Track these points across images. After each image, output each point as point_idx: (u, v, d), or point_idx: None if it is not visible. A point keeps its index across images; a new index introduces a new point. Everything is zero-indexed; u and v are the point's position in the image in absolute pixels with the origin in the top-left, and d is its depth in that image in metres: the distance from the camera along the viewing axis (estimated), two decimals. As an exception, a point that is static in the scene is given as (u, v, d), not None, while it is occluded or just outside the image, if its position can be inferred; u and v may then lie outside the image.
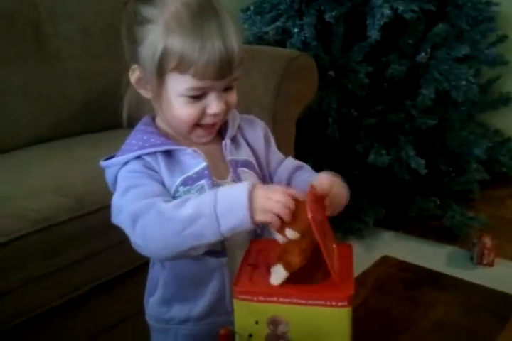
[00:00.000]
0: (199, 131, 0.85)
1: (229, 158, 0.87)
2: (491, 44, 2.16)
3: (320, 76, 1.75)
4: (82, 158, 1.38)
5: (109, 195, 1.22)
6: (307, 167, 0.95)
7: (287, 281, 0.72)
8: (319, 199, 0.78)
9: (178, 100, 0.81)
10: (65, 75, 1.64)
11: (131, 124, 0.90)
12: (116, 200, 0.82)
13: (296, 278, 0.73)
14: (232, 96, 0.84)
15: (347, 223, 1.89)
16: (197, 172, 0.83)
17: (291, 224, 0.73)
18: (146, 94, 0.85)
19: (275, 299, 0.71)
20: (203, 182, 0.83)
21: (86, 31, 1.72)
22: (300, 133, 1.74)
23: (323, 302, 0.70)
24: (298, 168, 0.94)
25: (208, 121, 0.83)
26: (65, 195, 1.20)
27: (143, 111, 0.90)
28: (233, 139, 0.90)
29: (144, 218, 0.75)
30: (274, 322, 0.71)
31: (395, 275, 1.40)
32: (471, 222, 1.89)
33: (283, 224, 0.74)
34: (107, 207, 1.19)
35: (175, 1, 0.78)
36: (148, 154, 0.82)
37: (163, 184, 0.82)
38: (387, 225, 1.98)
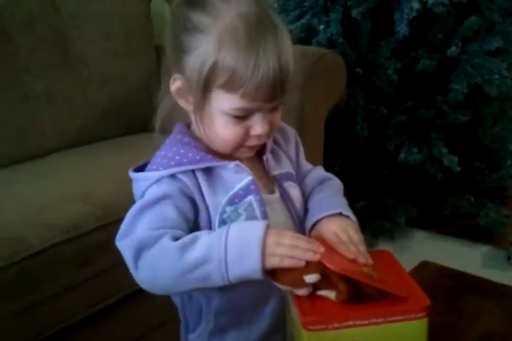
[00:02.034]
0: (241, 150, 0.79)
1: (273, 173, 0.82)
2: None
3: (347, 73, 1.71)
4: (108, 164, 1.38)
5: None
6: (333, 182, 0.90)
7: (350, 302, 0.69)
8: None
9: (221, 118, 0.75)
10: (90, 80, 1.64)
11: (164, 131, 0.85)
12: (129, 217, 0.75)
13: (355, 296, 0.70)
14: (278, 117, 0.78)
15: (376, 223, 1.86)
16: (242, 188, 0.77)
17: (307, 268, 0.69)
18: (185, 105, 0.79)
19: (351, 323, 0.67)
20: (250, 198, 0.77)
21: (109, 35, 1.71)
22: (328, 132, 1.71)
23: (401, 317, 0.67)
24: (322, 181, 0.89)
25: (251, 143, 0.77)
26: (92, 204, 1.19)
27: (176, 120, 0.84)
28: (272, 152, 0.84)
29: (148, 251, 0.69)
30: None
31: (437, 282, 1.34)
32: (507, 220, 1.84)
33: (297, 272, 0.68)
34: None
35: (230, 11, 0.71)
36: (184, 172, 0.76)
37: (188, 214, 0.75)
38: (419, 225, 1.94)
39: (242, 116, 0.75)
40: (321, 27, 1.96)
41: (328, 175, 0.91)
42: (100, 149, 1.54)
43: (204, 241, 0.69)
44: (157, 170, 0.76)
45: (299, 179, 0.89)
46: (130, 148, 1.50)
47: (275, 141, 0.87)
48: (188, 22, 0.74)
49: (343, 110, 1.88)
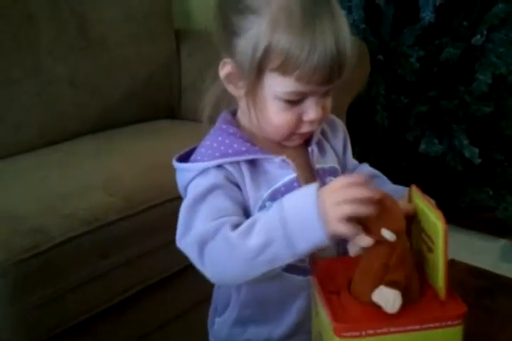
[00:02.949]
0: (294, 138, 0.76)
1: (317, 166, 0.78)
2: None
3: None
4: (130, 152, 1.37)
5: (157, 193, 1.21)
6: (383, 176, 0.87)
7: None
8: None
9: (273, 103, 0.72)
10: (111, 63, 1.62)
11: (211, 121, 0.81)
12: (182, 218, 0.72)
13: None
14: (329, 103, 0.75)
15: (395, 214, 1.84)
16: (285, 185, 0.75)
17: (379, 222, 0.63)
18: (234, 91, 0.75)
19: (386, 330, 0.63)
20: None
21: (130, 17, 1.68)
22: (347, 120, 1.68)
23: (437, 325, 0.64)
24: (373, 177, 0.85)
25: (304, 129, 0.74)
26: (113, 194, 1.18)
27: (221, 109, 0.80)
28: (318, 144, 0.81)
29: (211, 244, 0.67)
30: None
31: (465, 282, 1.31)
32: (526, 214, 1.82)
33: (369, 225, 0.63)
34: (154, 207, 1.20)
35: None
36: (230, 163, 0.74)
37: (240, 200, 0.73)
38: (438, 217, 1.92)
39: (295, 101, 0.71)
40: (343, 12, 1.91)
41: (376, 171, 0.88)
42: (122, 135, 1.52)
43: (262, 224, 0.66)
44: (202, 161, 0.74)
45: (347, 173, 0.85)
46: (152, 135, 1.49)
47: (323, 133, 0.83)
48: (239, 3, 0.70)
49: (363, 98, 1.85)
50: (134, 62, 1.66)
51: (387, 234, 0.63)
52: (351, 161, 0.88)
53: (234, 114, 0.80)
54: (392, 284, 0.64)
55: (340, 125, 0.87)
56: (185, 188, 0.75)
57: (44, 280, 1.04)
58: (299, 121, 0.73)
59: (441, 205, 2.04)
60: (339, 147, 0.85)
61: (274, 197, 0.74)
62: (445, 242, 0.64)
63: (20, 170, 1.31)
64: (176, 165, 0.77)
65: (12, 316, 1.02)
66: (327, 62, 0.67)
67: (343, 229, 0.62)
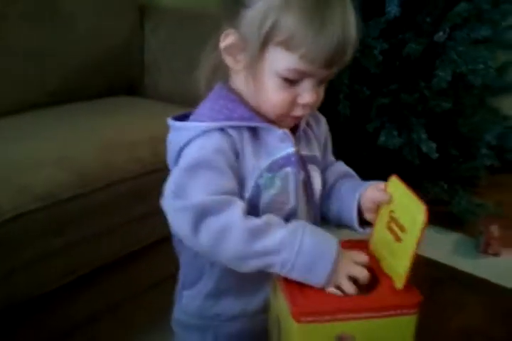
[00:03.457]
0: (286, 119, 0.76)
1: (302, 152, 0.79)
2: (510, 26, 2.08)
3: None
4: (87, 128, 1.31)
5: (111, 172, 1.17)
6: (355, 176, 0.88)
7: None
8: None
9: (271, 80, 0.71)
10: (72, 35, 1.54)
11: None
12: (179, 177, 0.70)
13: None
14: (322, 91, 0.76)
15: (351, 205, 1.85)
16: (284, 158, 0.75)
17: None
18: (232, 63, 0.74)
19: (343, 316, 0.65)
20: (287, 169, 0.75)
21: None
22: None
23: (393, 312, 0.66)
24: (346, 175, 0.87)
25: (297, 112, 0.74)
26: (69, 170, 1.13)
27: (215, 82, 0.79)
28: (304, 131, 0.81)
29: (212, 219, 0.67)
30: (340, 340, 0.66)
31: (419, 272, 1.34)
32: (478, 209, 1.86)
33: None
34: (110, 185, 1.15)
35: None
36: (232, 127, 0.72)
37: (237, 171, 0.72)
38: (393, 209, 1.94)
39: (293, 80, 0.71)
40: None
41: (350, 170, 0.89)
42: (79, 110, 1.46)
43: (278, 234, 0.68)
44: (204, 121, 0.73)
45: (323, 167, 0.86)
46: (111, 112, 1.44)
47: (307, 123, 0.83)
48: None
49: (326, 87, 1.84)
50: (96, 35, 1.60)
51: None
52: (329, 157, 0.89)
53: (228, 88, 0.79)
54: None
55: (323, 120, 0.88)
56: (180, 150, 0.73)
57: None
58: (293, 103, 0.73)
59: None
60: (321, 137, 0.86)
61: (272, 168, 0.74)
62: (421, 235, 0.66)
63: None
64: (173, 123, 0.76)
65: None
66: (333, 45, 0.68)
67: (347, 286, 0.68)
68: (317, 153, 0.83)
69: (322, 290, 0.68)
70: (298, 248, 0.67)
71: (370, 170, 1.92)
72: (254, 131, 0.75)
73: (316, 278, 0.68)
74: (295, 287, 0.68)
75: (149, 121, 1.33)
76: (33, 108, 1.43)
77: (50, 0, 1.52)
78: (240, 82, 0.76)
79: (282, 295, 0.69)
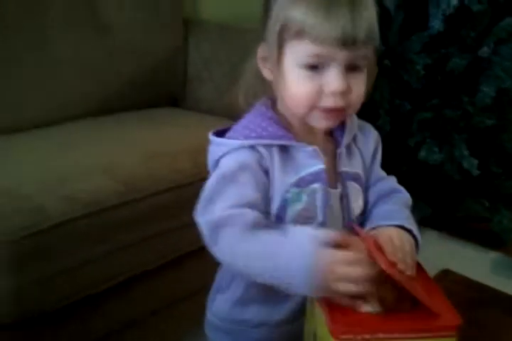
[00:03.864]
0: (316, 114, 0.75)
1: (342, 169, 0.79)
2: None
3: (374, 64, 1.67)
4: (132, 138, 1.35)
5: (156, 181, 1.19)
6: (402, 195, 0.86)
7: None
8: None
9: (295, 73, 0.73)
10: (116, 48, 1.60)
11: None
12: (207, 191, 0.75)
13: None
14: (358, 83, 0.74)
15: (390, 220, 1.84)
16: (312, 174, 0.76)
17: None
18: (268, 74, 0.77)
19: (381, 336, 0.65)
20: (316, 185, 0.76)
21: (140, 3, 1.66)
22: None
23: (431, 334, 0.65)
24: (390, 193, 0.85)
25: (326, 103, 0.73)
26: (114, 178, 1.17)
27: (257, 97, 0.82)
28: (348, 147, 0.82)
29: (226, 230, 0.70)
30: None
31: (458, 293, 1.30)
32: (520, 228, 1.82)
33: None
34: (154, 195, 1.18)
35: None
36: (263, 145, 0.75)
37: (265, 186, 0.75)
38: (432, 225, 1.92)
39: (314, 66, 0.72)
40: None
41: (399, 187, 0.88)
42: (124, 121, 1.50)
43: (285, 253, 0.68)
44: (237, 138, 0.76)
45: (368, 185, 0.86)
46: (154, 123, 1.48)
47: (354, 138, 0.84)
48: None
49: (367, 102, 1.84)
50: (141, 49, 1.64)
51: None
52: (378, 172, 0.88)
53: (275, 102, 0.82)
54: (379, 300, 0.67)
55: (373, 133, 0.88)
56: (216, 161, 0.78)
57: (39, 260, 1.02)
58: (320, 92, 0.73)
59: (438, 213, 2.05)
60: (368, 155, 0.86)
61: (299, 184, 0.76)
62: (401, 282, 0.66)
63: (20, 148, 1.28)
64: (212, 138, 0.79)
65: (4, 291, 1.00)
66: (339, 24, 0.69)
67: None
68: (360, 170, 0.83)
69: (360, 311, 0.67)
70: (286, 260, 0.67)
71: (411, 185, 1.91)
72: (285, 149, 0.77)
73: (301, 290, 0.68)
74: (334, 305, 0.68)
75: (191, 133, 1.37)
76: (80, 118, 1.48)
77: (94, 12, 1.57)
78: (276, 91, 0.78)
79: (321, 312, 0.69)
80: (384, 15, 1.90)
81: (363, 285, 0.65)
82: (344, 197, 0.80)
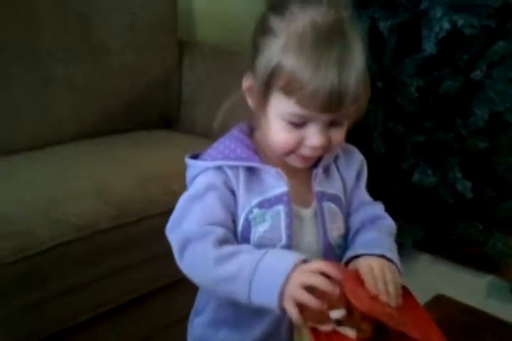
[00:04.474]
0: (294, 158, 0.78)
1: (316, 188, 0.80)
2: (548, 66, 2.06)
3: (368, 87, 1.68)
4: (126, 160, 1.34)
5: (150, 205, 1.18)
6: (386, 221, 0.86)
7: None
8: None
9: (277, 122, 0.75)
10: (110, 69, 1.59)
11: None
12: (176, 211, 0.78)
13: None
14: (339, 134, 0.77)
15: (383, 242, 1.83)
16: (276, 196, 0.78)
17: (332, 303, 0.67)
18: (252, 105, 0.80)
19: None
20: (279, 207, 0.77)
21: (133, 25, 1.65)
22: (343, 146, 1.67)
23: None
24: (374, 220, 0.85)
25: (304, 152, 0.76)
26: (107, 202, 1.15)
27: (235, 120, 0.85)
28: (327, 168, 0.83)
29: (191, 247, 0.73)
30: None
31: (452, 318, 1.30)
32: (514, 252, 1.81)
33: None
34: (147, 218, 1.16)
35: (305, 17, 0.72)
36: (229, 166, 0.78)
37: (231, 206, 0.77)
38: (426, 248, 1.91)
39: (297, 124, 0.74)
40: (362, 48, 1.91)
41: (383, 214, 0.88)
42: (117, 143, 1.49)
43: (240, 259, 0.71)
44: (205, 160, 0.80)
45: (352, 209, 0.86)
46: (149, 145, 1.47)
47: (336, 160, 0.84)
48: (266, 25, 0.75)
49: (360, 125, 1.84)
50: (135, 70, 1.63)
51: (334, 314, 0.67)
52: (362, 196, 0.88)
53: (252, 128, 0.84)
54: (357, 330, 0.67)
55: (358, 157, 0.88)
56: (191, 183, 0.81)
57: (29, 285, 1.01)
58: (300, 144, 0.76)
59: (431, 237, 2.04)
60: (350, 178, 0.86)
61: (263, 205, 0.78)
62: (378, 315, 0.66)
63: (12, 170, 1.27)
64: (186, 160, 0.83)
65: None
66: (326, 89, 0.70)
67: (290, 309, 0.67)
68: (339, 192, 0.83)
69: (347, 337, 0.67)
70: (254, 269, 0.69)
71: (404, 208, 1.91)
72: (252, 170, 0.79)
73: (271, 301, 0.68)
74: (321, 334, 0.67)
75: (183, 155, 1.35)
76: (73, 140, 1.47)
77: (88, 34, 1.56)
78: (256, 121, 0.81)
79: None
80: (377, 38, 1.92)
81: (317, 299, 0.66)
82: (319, 217, 0.80)
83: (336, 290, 0.66)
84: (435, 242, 1.91)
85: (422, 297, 1.53)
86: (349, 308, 0.67)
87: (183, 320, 1.24)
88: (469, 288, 1.71)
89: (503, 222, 1.95)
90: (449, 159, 1.80)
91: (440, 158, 1.82)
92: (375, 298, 0.69)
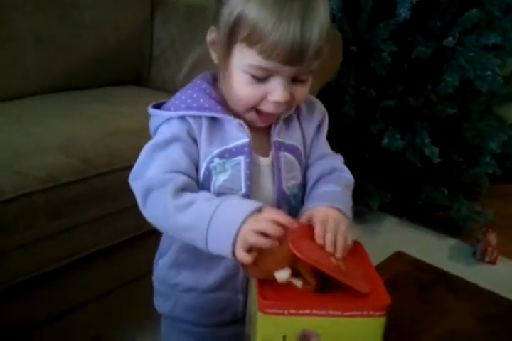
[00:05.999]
0: (253, 115, 0.78)
1: (274, 139, 0.80)
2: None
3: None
4: (94, 115, 1.32)
5: (115, 159, 1.17)
6: (344, 174, 0.86)
7: (313, 291, 0.68)
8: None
9: (240, 76, 0.74)
10: (80, 23, 1.56)
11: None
12: (143, 155, 0.78)
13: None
14: (301, 91, 0.76)
15: (351, 205, 1.85)
16: (236, 147, 0.78)
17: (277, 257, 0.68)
18: (215, 58, 0.79)
19: (308, 312, 0.65)
20: (240, 158, 0.78)
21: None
22: (315, 109, 1.68)
23: (359, 313, 0.66)
24: (332, 171, 0.85)
25: (266, 108, 0.76)
26: (72, 155, 1.14)
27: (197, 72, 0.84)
28: (287, 119, 0.83)
29: (153, 194, 0.73)
30: (304, 337, 0.66)
31: (411, 274, 1.33)
32: (477, 216, 1.85)
33: (267, 264, 0.68)
34: (112, 172, 1.16)
35: None
36: (192, 116, 0.78)
37: (194, 155, 0.78)
38: (392, 211, 1.94)
39: (260, 77, 0.74)
40: (326, 2, 1.90)
41: (342, 166, 0.88)
42: (85, 98, 1.47)
43: (197, 208, 0.71)
44: (169, 110, 0.79)
45: (311, 160, 0.87)
46: (116, 100, 1.45)
47: (297, 111, 0.84)
48: None
49: (333, 88, 1.85)
50: (106, 25, 1.61)
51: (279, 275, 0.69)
52: (323, 148, 0.88)
53: (215, 78, 0.83)
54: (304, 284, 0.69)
55: (320, 110, 0.88)
56: (154, 132, 0.81)
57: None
58: (263, 99, 0.75)
59: (398, 200, 2.06)
60: (310, 130, 0.86)
61: (223, 155, 0.78)
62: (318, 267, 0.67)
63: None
64: (149, 110, 0.82)
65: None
66: (288, 41, 0.69)
67: (241, 254, 0.68)
68: (297, 143, 0.83)
69: (294, 287, 0.68)
70: (210, 217, 0.69)
71: (373, 171, 1.93)
72: (215, 120, 0.79)
73: (225, 246, 0.69)
74: (267, 283, 0.69)
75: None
76: (40, 94, 1.44)
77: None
78: (219, 73, 0.80)
79: (255, 289, 0.70)
80: (353, 2, 1.91)
81: (268, 241, 0.67)
82: (275, 166, 0.81)
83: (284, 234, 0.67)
84: (402, 205, 1.95)
85: (384, 256, 1.57)
86: (295, 260, 0.67)
87: (148, 273, 1.26)
88: (432, 249, 1.75)
89: (469, 187, 1.99)
90: (417, 124, 1.82)
91: (409, 122, 1.83)
92: (321, 249, 0.70)
